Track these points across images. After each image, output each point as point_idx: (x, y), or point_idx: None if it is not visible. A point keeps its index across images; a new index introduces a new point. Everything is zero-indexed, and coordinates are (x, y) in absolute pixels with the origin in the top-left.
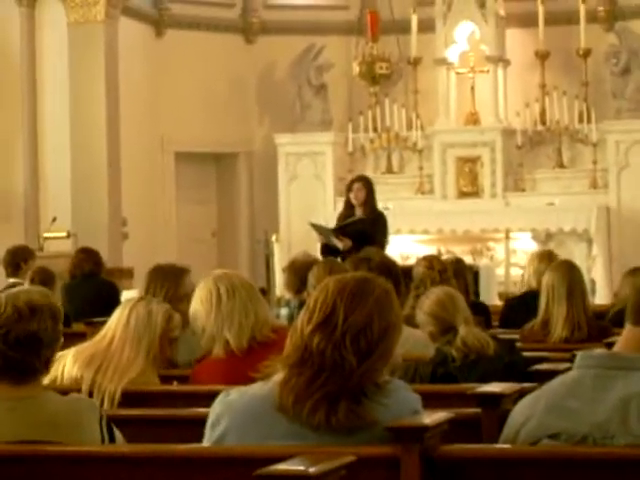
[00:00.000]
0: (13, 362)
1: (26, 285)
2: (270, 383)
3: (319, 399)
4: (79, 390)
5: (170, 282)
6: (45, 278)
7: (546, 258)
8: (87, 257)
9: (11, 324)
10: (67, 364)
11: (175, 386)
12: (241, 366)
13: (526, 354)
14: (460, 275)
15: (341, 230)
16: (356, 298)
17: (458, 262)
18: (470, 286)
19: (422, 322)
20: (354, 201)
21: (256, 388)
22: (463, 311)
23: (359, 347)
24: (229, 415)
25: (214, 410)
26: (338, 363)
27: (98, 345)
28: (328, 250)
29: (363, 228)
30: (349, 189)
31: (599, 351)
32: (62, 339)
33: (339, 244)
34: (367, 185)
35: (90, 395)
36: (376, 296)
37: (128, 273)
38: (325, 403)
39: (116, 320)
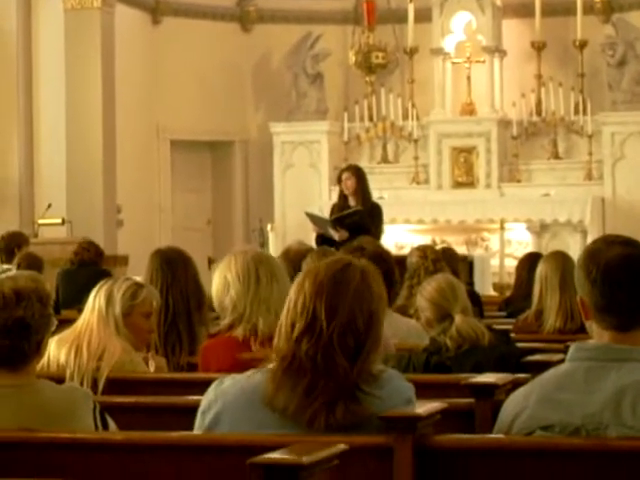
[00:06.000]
0: (3, 349)
1: (14, 270)
2: (264, 373)
3: (319, 407)
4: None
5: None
6: (32, 263)
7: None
8: (89, 247)
9: None
10: (52, 351)
11: (168, 373)
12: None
13: (520, 345)
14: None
15: (338, 221)
16: (335, 297)
17: (446, 251)
18: (462, 276)
19: (421, 307)
20: (345, 191)
21: (250, 377)
22: (462, 301)
23: (348, 346)
24: (222, 402)
25: (207, 397)
26: (331, 368)
27: (75, 331)
28: (323, 240)
29: (360, 220)
30: (339, 180)
31: (592, 343)
32: (55, 322)
33: (335, 235)
34: (356, 173)
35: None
36: (354, 287)
37: (123, 260)
38: (324, 409)
39: (86, 307)
